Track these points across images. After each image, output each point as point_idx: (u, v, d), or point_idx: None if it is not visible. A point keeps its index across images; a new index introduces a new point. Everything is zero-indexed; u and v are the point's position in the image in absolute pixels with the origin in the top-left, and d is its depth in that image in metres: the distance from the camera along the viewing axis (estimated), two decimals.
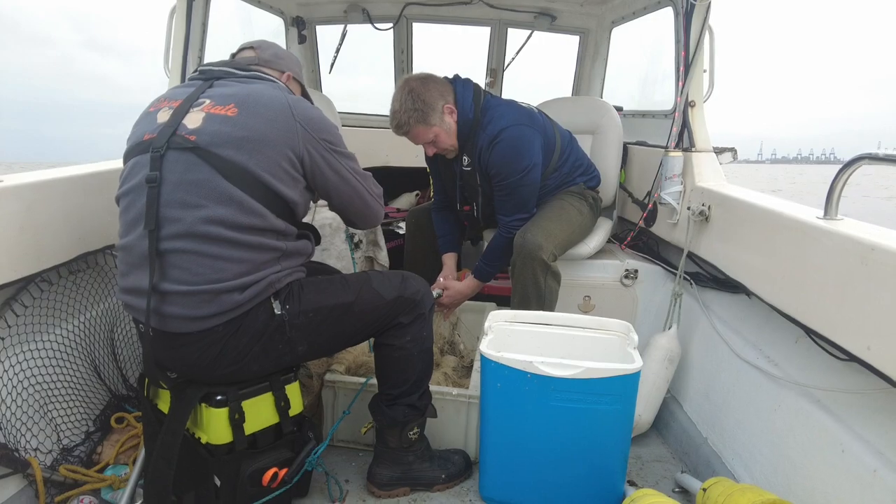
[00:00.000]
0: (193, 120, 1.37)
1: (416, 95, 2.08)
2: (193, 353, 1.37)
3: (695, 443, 1.95)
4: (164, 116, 1.41)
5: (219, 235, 1.31)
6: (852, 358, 1.34)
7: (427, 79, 2.14)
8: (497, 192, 2.23)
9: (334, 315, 1.51)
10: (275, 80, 1.56)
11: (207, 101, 1.40)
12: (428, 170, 2.57)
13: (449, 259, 2.47)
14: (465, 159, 2.24)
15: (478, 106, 2.18)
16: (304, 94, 1.75)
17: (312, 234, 1.61)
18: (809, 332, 1.50)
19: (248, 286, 1.36)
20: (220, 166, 1.32)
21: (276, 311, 1.41)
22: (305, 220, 1.59)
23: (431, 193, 2.61)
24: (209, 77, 1.50)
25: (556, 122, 2.40)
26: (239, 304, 1.35)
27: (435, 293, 2.25)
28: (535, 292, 2.11)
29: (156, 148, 1.35)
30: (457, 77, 2.24)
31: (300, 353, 1.51)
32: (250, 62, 1.62)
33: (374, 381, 1.91)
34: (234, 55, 1.70)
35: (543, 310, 2.10)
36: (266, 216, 1.37)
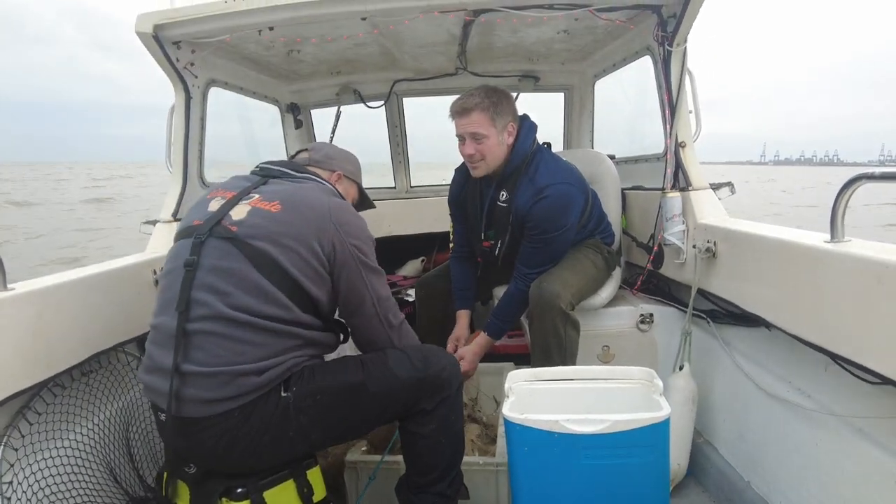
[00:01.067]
0: (239, 212, 1.46)
1: (496, 94, 2.14)
2: (209, 439, 1.34)
3: (737, 488, 1.86)
4: (215, 206, 1.50)
5: (243, 320, 1.34)
6: (886, 381, 1.30)
7: (510, 96, 2.21)
8: (528, 243, 2.21)
9: (344, 397, 1.45)
10: (325, 181, 1.65)
11: (256, 196, 1.49)
12: (450, 213, 2.56)
13: (463, 317, 2.44)
14: (504, 194, 2.23)
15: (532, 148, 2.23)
16: (361, 192, 1.87)
17: (342, 329, 1.61)
18: (837, 358, 1.46)
19: (267, 370, 1.35)
20: (252, 257, 1.38)
21: (281, 393, 1.38)
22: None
23: (451, 245, 2.60)
24: (266, 175, 1.60)
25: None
26: (255, 387, 1.34)
27: None
28: (556, 343, 2.07)
29: (199, 234, 1.43)
30: (526, 116, 2.29)
31: (315, 441, 1.46)
32: (304, 163, 1.73)
33: (393, 458, 1.86)
34: (291, 157, 1.82)
35: (565, 360, 2.06)
36: (291, 309, 1.39)
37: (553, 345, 2.07)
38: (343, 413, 1.46)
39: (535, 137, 2.24)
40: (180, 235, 1.52)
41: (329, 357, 1.58)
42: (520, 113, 2.28)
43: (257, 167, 1.67)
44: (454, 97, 3.65)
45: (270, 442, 1.38)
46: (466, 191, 2.38)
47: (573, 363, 2.10)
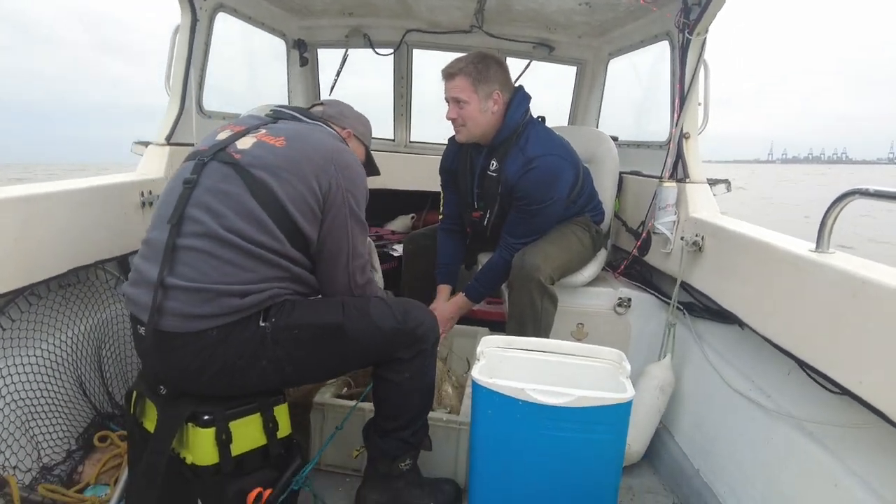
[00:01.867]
0: (244, 143, 1.48)
1: (484, 61, 2.12)
2: (184, 357, 1.35)
3: (686, 474, 1.93)
4: (222, 136, 1.53)
5: (233, 243, 1.36)
6: (844, 391, 1.34)
7: (503, 64, 2.20)
8: (515, 213, 2.23)
9: (322, 335, 1.47)
10: (335, 132, 1.67)
11: (263, 131, 1.52)
12: (441, 182, 2.54)
13: (443, 291, 2.44)
14: (494, 163, 2.23)
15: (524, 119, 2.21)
16: (368, 156, 1.88)
17: None
18: (802, 364, 1.50)
19: (249, 294, 1.37)
20: (251, 185, 1.40)
21: (260, 322, 1.40)
22: None
23: (440, 212, 2.57)
24: (278, 117, 1.62)
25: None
26: (236, 308, 1.35)
27: None
28: (532, 314, 2.10)
29: (202, 156, 1.46)
30: (521, 87, 2.27)
31: (287, 375, 1.48)
32: (318, 114, 1.74)
33: (365, 404, 1.90)
34: (309, 108, 1.81)
35: (539, 333, 2.10)
36: (281, 241, 1.41)
37: (528, 316, 2.10)
38: (318, 352, 1.48)
39: (527, 108, 2.23)
40: (185, 160, 1.54)
41: None
42: (519, 83, 2.27)
43: (270, 110, 1.67)
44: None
45: (243, 368, 1.40)
46: (458, 160, 2.37)
47: (546, 336, 2.14)
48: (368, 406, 1.86)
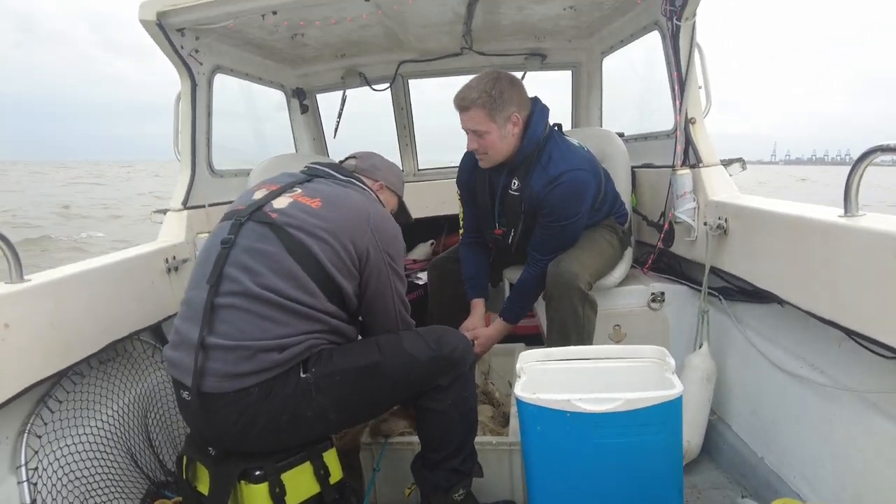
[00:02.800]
0: (280, 202, 1.52)
1: (498, 86, 2.02)
2: (229, 416, 1.36)
3: (750, 464, 1.87)
4: (259, 195, 1.57)
5: (267, 299, 1.38)
6: None
7: (516, 82, 2.09)
8: (542, 230, 2.18)
9: (362, 377, 1.48)
10: (368, 188, 1.72)
11: (299, 191, 1.56)
12: (458, 197, 2.50)
13: (478, 305, 2.40)
14: (515, 182, 2.18)
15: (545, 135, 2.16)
16: (401, 204, 1.92)
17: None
18: (851, 333, 1.45)
19: (288, 347, 1.38)
20: (288, 243, 1.43)
21: (301, 374, 1.41)
22: None
23: (460, 230, 2.56)
24: (312, 174, 1.66)
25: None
26: (277, 363, 1.37)
27: None
28: (574, 323, 2.06)
29: (239, 216, 1.50)
30: (536, 99, 2.20)
31: (333, 422, 1.49)
32: (351, 168, 1.78)
33: (414, 438, 1.88)
34: (340, 162, 1.87)
35: (582, 341, 2.05)
36: (318, 296, 1.44)
37: (571, 325, 2.06)
38: (361, 393, 1.49)
39: (546, 122, 2.17)
40: (223, 219, 1.58)
41: None
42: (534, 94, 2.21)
43: (305, 167, 1.71)
44: (459, 77, 3.64)
45: (289, 422, 1.40)
46: (476, 176, 2.33)
47: (590, 343, 2.10)
48: (416, 440, 1.84)
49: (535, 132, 2.11)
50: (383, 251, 1.53)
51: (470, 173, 2.37)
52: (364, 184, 1.72)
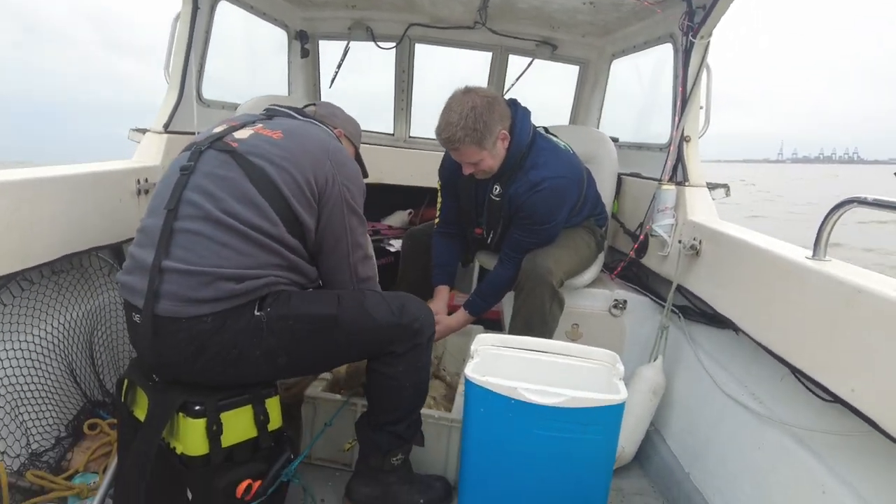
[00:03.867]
0: (242, 133, 1.50)
1: (478, 114, 1.95)
2: (179, 343, 1.35)
3: (676, 478, 1.94)
4: (219, 129, 1.55)
5: (231, 226, 1.36)
6: (836, 399, 1.34)
7: (493, 101, 2.01)
8: (518, 231, 2.18)
9: (317, 327, 1.47)
10: (329, 130, 1.68)
11: (260, 125, 1.54)
12: (439, 186, 2.48)
13: (442, 291, 2.41)
14: (497, 188, 2.18)
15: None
16: (357, 157, 1.87)
17: None
18: (795, 371, 1.50)
19: (246, 279, 1.36)
20: (249, 171, 1.41)
21: (255, 311, 1.39)
22: None
23: (437, 215, 2.51)
24: (273, 114, 1.64)
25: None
26: (233, 293, 1.35)
27: None
28: (540, 318, 2.09)
29: (198, 146, 1.47)
30: (515, 102, 2.18)
31: (280, 366, 1.47)
32: (310, 114, 1.74)
33: (358, 399, 1.89)
34: (301, 108, 1.81)
35: (545, 335, 2.07)
36: (278, 225, 1.41)
37: (536, 319, 2.09)
38: (313, 343, 1.48)
39: (529, 128, 2.14)
40: (182, 151, 1.54)
41: None
42: (512, 96, 2.18)
43: (265, 108, 1.69)
44: (467, 52, 3.59)
45: (237, 357, 1.39)
46: (459, 176, 2.25)
47: (550, 338, 2.13)
48: (361, 402, 1.86)
49: (520, 140, 2.10)
50: (341, 184, 1.50)
51: (453, 171, 2.31)
52: (325, 125, 1.70)
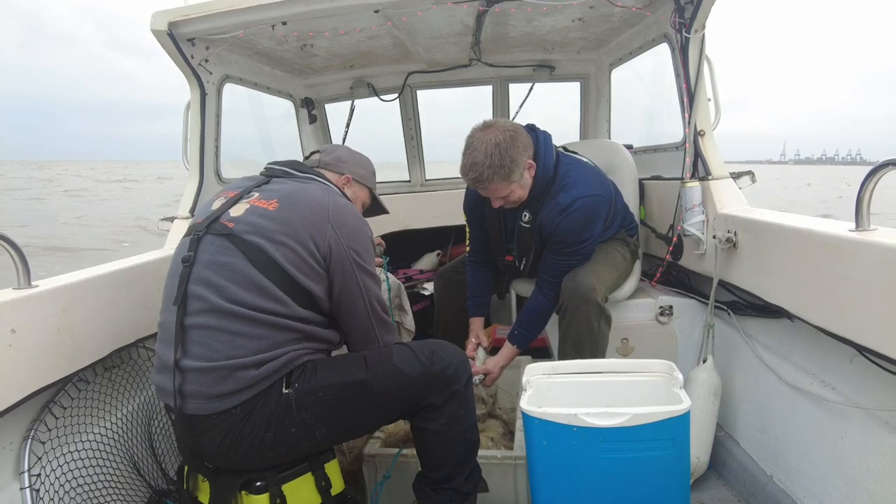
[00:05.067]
0: (237, 210, 1.47)
1: (503, 150, 1.92)
2: (214, 438, 1.35)
3: (759, 482, 1.84)
4: (216, 205, 1.53)
5: (238, 313, 1.35)
6: None
7: (515, 133, 1.97)
8: (553, 256, 2.14)
9: (347, 394, 1.42)
10: (329, 183, 1.64)
11: (256, 195, 1.51)
12: (465, 219, 2.47)
13: (477, 322, 2.38)
14: (526, 215, 2.16)
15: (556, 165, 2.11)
16: (373, 197, 1.85)
17: None
18: (863, 350, 1.43)
19: (266, 362, 1.35)
20: (247, 252, 1.38)
21: (283, 390, 1.37)
22: None
23: (467, 245, 2.50)
24: (270, 175, 1.61)
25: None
26: (255, 379, 1.34)
27: (476, 379, 2.15)
28: (590, 338, 2.03)
29: (196, 231, 1.46)
30: (534, 128, 2.15)
31: (319, 437, 1.44)
32: (313, 164, 1.73)
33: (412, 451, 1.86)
34: (305, 158, 1.81)
35: (596, 355, 2.03)
36: (287, 303, 1.39)
37: (586, 340, 2.03)
38: (346, 411, 1.44)
39: (552, 152, 2.11)
40: (185, 235, 1.54)
41: (335, 353, 1.58)
42: (530, 122, 2.16)
43: (265, 167, 1.68)
44: (467, 89, 3.65)
45: (273, 439, 1.37)
46: (484, 206, 2.25)
47: (602, 357, 2.08)
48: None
49: (546, 165, 2.07)
50: (346, 247, 1.45)
51: (476, 203, 2.31)
52: (326, 178, 1.66)
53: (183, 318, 1.37)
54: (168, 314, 1.42)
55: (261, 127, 3.59)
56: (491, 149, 1.92)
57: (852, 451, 1.50)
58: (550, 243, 2.13)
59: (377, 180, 1.95)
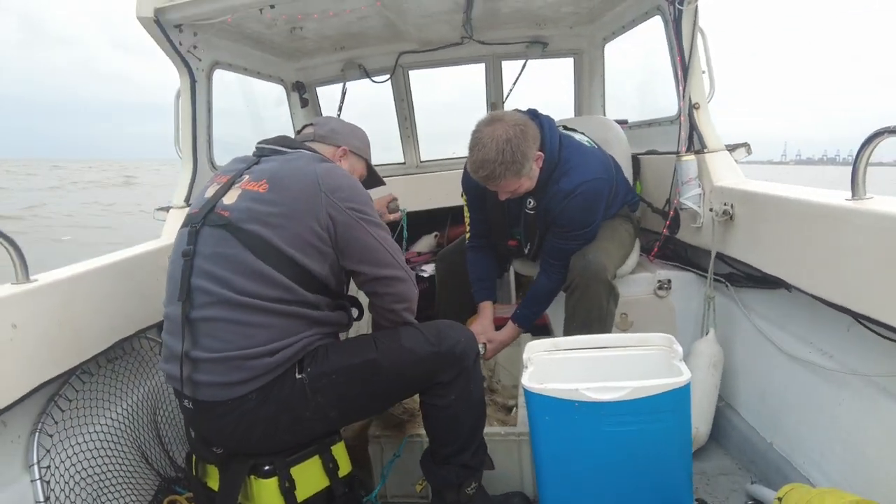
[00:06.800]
0: (230, 196, 1.45)
1: (515, 146, 1.86)
2: (229, 423, 1.37)
3: (759, 450, 1.87)
4: (210, 192, 1.51)
5: (248, 304, 1.35)
6: None
7: (524, 126, 1.91)
8: (557, 239, 2.13)
9: (360, 375, 1.45)
10: (317, 153, 1.60)
11: (246, 178, 1.48)
12: (464, 201, 2.45)
13: (486, 308, 2.34)
14: (531, 202, 2.14)
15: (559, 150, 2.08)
16: (369, 168, 1.82)
17: (355, 306, 1.61)
18: (859, 317, 1.44)
19: (279, 350, 1.36)
20: (247, 241, 1.37)
21: (296, 374, 1.39)
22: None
23: (466, 230, 2.49)
24: (260, 154, 1.58)
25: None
26: (269, 367, 1.35)
27: (479, 348, 2.18)
28: (598, 316, 2.02)
29: (194, 223, 1.44)
30: (537, 114, 2.10)
31: (333, 419, 1.47)
32: (305, 138, 1.70)
33: (418, 432, 1.88)
34: (298, 132, 1.78)
35: (603, 332, 2.00)
36: (294, 290, 1.39)
37: (595, 318, 2.02)
38: (359, 391, 1.47)
39: (556, 138, 2.07)
40: (182, 225, 1.52)
41: (344, 335, 1.60)
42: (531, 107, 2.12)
43: (255, 147, 1.65)
44: (460, 67, 3.61)
45: (289, 423, 1.40)
46: (486, 191, 2.18)
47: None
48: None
49: (551, 153, 2.04)
50: (346, 208, 1.43)
51: (477, 185, 2.19)
52: (317, 152, 1.63)
53: (189, 311, 1.37)
54: (173, 308, 1.42)
55: (253, 112, 3.56)
56: (502, 145, 1.86)
57: (850, 417, 1.53)
58: (554, 227, 2.13)
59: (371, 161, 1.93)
